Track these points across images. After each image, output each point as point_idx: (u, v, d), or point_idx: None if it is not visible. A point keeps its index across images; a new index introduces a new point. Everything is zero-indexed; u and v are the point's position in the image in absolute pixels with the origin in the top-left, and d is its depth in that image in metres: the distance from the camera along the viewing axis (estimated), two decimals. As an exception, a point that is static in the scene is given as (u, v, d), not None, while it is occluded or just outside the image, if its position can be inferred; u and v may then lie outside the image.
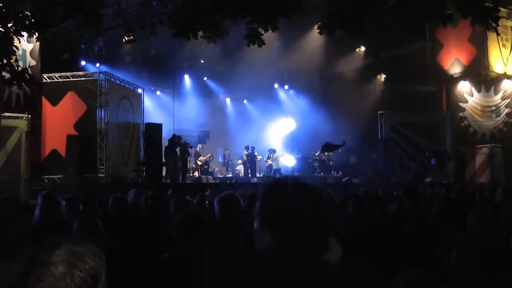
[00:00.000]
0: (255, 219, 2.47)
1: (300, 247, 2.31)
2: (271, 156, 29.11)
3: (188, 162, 25.94)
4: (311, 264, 2.30)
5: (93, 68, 25.96)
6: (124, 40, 26.01)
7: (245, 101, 33.20)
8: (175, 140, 23.86)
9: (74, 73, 24.16)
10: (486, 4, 15.91)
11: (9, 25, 14.80)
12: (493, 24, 15.90)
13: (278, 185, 2.53)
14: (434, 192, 15.49)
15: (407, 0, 15.47)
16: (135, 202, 8.84)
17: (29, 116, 21.60)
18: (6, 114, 20.71)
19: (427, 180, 25.84)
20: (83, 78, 23.89)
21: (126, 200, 7.47)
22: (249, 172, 27.63)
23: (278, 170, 28.72)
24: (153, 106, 29.73)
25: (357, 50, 30.69)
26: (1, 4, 14.60)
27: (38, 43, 21.72)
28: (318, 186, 2.53)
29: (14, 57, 15.33)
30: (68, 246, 1.94)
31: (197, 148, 28.12)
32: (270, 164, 28.97)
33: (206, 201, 9.84)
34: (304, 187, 2.47)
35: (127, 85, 26.76)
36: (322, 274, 2.30)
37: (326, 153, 28.19)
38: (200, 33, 16.39)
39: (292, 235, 2.32)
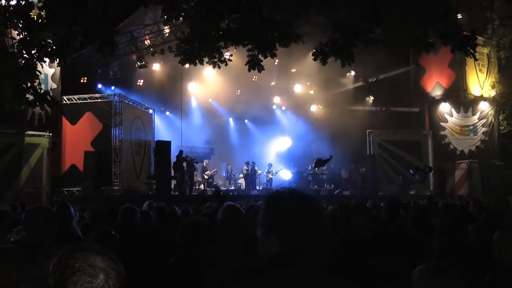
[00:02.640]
0: (258, 228, 2.45)
1: (304, 250, 2.30)
2: (271, 170, 29.12)
3: (195, 176, 25.92)
4: (314, 267, 2.29)
5: (109, 91, 26.04)
6: (136, 65, 26.10)
7: (246, 121, 33.21)
8: (182, 156, 23.87)
9: (91, 95, 24.25)
10: (465, 33, 15.96)
11: (33, 52, 14.83)
12: (471, 51, 15.95)
13: (280, 194, 2.51)
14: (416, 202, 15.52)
15: (392, 30, 15.51)
16: (148, 212, 8.83)
17: (51, 134, 21.61)
18: (30, 132, 20.74)
19: (411, 192, 25.83)
20: (99, 100, 23.96)
21: (135, 209, 7.44)
22: (250, 185, 27.60)
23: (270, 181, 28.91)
24: (163, 125, 29.73)
25: (348, 74, 30.74)
26: (26, 33, 14.65)
27: (58, 68, 21.75)
28: (314, 196, 2.57)
29: (37, 81, 15.37)
30: (99, 254, 1.91)
31: (204, 164, 28.12)
32: (270, 177, 28.98)
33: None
34: (303, 196, 2.47)
35: (139, 106, 26.78)
36: (324, 277, 2.30)
37: (317, 168, 28.19)
38: (205, 59, 16.42)
39: (297, 238, 2.32)
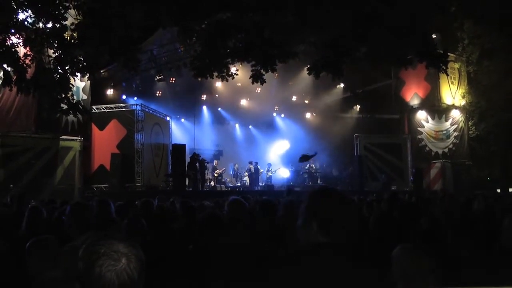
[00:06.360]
0: (300, 216, 2.56)
1: (340, 237, 2.42)
2: (270, 169, 29.14)
3: (206, 174, 25.89)
4: (348, 252, 2.41)
5: (132, 101, 26.02)
6: (156, 79, 26.13)
7: (250, 126, 33.19)
8: (195, 157, 23.86)
9: (116, 105, 24.32)
10: (438, 51, 15.98)
11: (66, 67, 14.88)
12: (443, 67, 15.98)
13: (323, 190, 2.63)
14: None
15: (376, 49, 15.51)
16: (161, 205, 8.80)
17: (82, 138, 21.66)
18: (64, 137, 20.79)
19: (393, 188, 25.81)
20: (123, 109, 24.01)
21: (152, 202, 7.42)
22: (253, 182, 27.59)
23: (270, 179, 29.00)
24: (179, 131, 29.72)
25: (338, 86, 30.72)
26: (60, 52, 14.70)
27: (89, 81, 21.79)
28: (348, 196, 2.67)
29: (70, 93, 15.42)
30: (121, 241, 1.95)
31: (214, 163, 28.10)
32: (270, 175, 29.00)
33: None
34: (341, 194, 2.60)
35: (158, 114, 26.81)
36: (355, 262, 2.41)
37: (302, 162, 28.14)
38: (215, 74, 16.44)
39: (335, 227, 2.43)
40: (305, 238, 2.48)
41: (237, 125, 33.15)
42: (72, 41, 14.68)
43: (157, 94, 28.22)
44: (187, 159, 23.43)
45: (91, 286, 1.87)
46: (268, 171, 28.97)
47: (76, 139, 21.46)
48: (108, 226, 5.30)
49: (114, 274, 1.86)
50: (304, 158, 27.28)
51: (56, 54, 14.90)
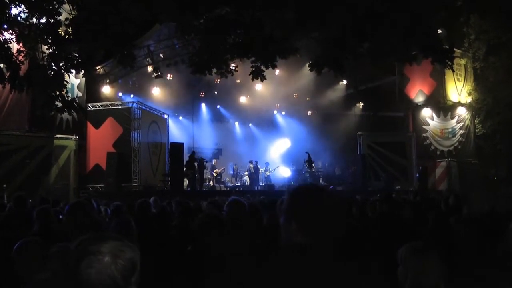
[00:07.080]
0: (281, 215, 2.51)
1: (321, 239, 2.36)
2: (268, 168, 29.11)
3: (205, 174, 25.90)
4: (328, 255, 2.35)
5: (128, 98, 26.02)
6: (153, 76, 26.13)
7: (250, 124, 33.19)
8: (194, 156, 23.88)
9: (112, 102, 24.31)
10: (444, 46, 15.96)
11: (61, 64, 14.85)
12: (449, 62, 15.95)
13: (305, 188, 2.58)
14: (403, 197, 15.52)
15: (379, 44, 15.50)
16: (158, 205, 8.79)
17: (77, 137, 21.67)
18: (58, 135, 20.79)
19: (397, 187, 25.79)
20: (120, 107, 23.98)
21: (149, 203, 7.43)
22: (253, 181, 27.59)
23: (269, 178, 29.00)
24: (176, 129, 29.71)
25: (340, 83, 30.71)
26: (54, 48, 14.69)
27: (84, 78, 21.79)
28: (331, 191, 2.62)
29: (64, 90, 15.37)
30: (111, 240, 2.01)
31: (213, 163, 28.10)
32: (268, 175, 28.97)
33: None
34: (321, 190, 2.53)
35: (155, 112, 26.80)
36: (337, 263, 2.36)
37: (312, 168, 28.15)
38: (214, 70, 16.44)
39: (315, 228, 2.37)
40: (286, 238, 2.45)
41: (236, 123, 33.16)
42: (67, 36, 14.67)
43: (154, 91, 28.22)
44: (185, 158, 23.44)
45: (76, 284, 1.94)
46: (266, 170, 28.93)
47: (71, 138, 21.47)
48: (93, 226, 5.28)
49: (94, 272, 1.93)
50: (309, 163, 27.43)
51: (50, 50, 14.87)
